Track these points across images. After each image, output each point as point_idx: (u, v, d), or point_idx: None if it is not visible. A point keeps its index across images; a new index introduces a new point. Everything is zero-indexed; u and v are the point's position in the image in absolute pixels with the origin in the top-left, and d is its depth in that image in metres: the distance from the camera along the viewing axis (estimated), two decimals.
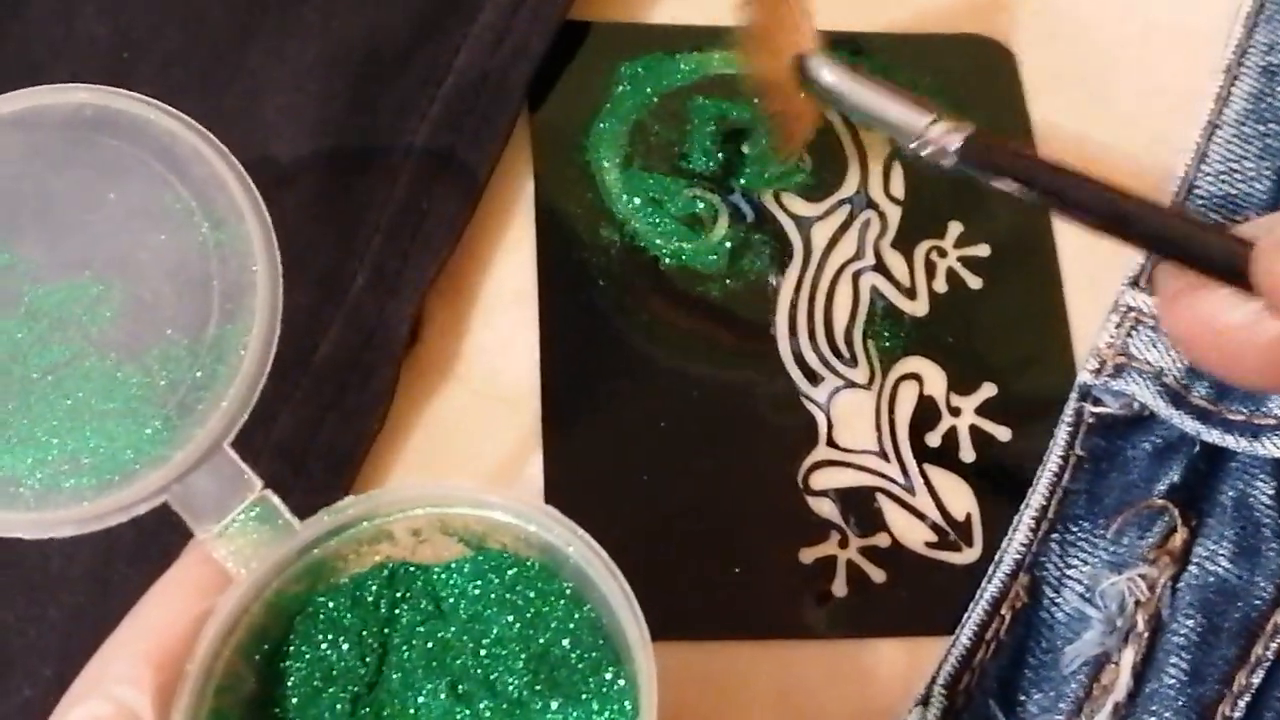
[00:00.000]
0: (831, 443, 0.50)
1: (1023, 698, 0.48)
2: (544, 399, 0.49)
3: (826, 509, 0.49)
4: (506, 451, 0.49)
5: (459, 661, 0.39)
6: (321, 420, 0.48)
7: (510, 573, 0.40)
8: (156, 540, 0.44)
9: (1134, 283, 0.52)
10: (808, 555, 0.49)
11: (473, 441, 0.49)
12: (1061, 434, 0.50)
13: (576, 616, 0.39)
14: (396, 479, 0.49)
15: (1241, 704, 0.47)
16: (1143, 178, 0.54)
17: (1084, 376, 0.50)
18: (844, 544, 0.49)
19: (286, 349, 0.46)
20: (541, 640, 0.39)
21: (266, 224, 0.40)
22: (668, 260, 0.52)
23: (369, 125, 0.51)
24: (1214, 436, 0.49)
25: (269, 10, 0.53)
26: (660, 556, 0.48)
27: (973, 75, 0.56)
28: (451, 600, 0.40)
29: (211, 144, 0.40)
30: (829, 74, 0.50)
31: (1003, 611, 0.48)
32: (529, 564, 0.40)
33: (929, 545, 0.49)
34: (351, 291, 0.49)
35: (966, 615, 0.48)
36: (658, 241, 0.52)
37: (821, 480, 0.50)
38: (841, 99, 0.50)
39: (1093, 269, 0.53)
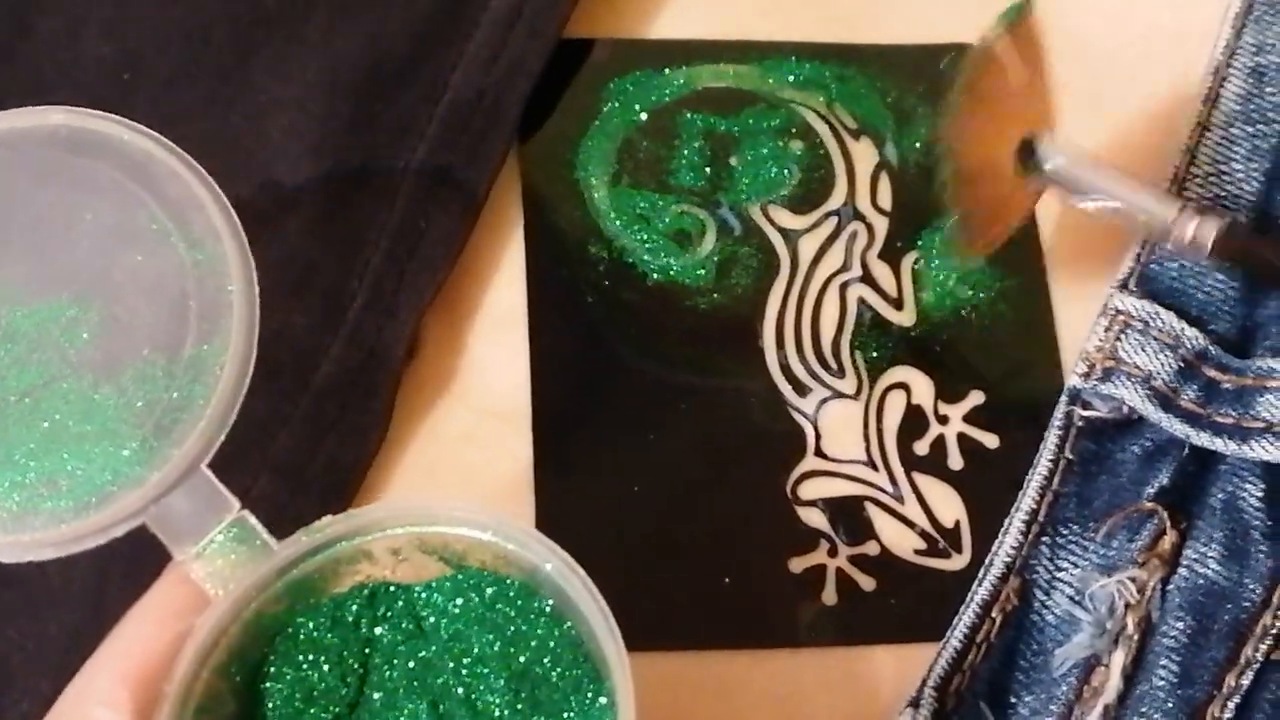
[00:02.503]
0: (820, 453, 0.51)
1: (1013, 700, 0.48)
2: (535, 413, 0.50)
3: (815, 518, 0.50)
4: (500, 465, 0.49)
5: (440, 680, 0.39)
6: (321, 439, 0.48)
7: (490, 591, 0.40)
8: (153, 557, 0.44)
9: (1122, 286, 0.52)
10: (797, 565, 0.49)
11: (468, 456, 0.50)
12: (1051, 438, 0.50)
13: (557, 635, 0.39)
14: (393, 495, 0.49)
15: (1231, 705, 0.47)
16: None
17: (1073, 380, 0.50)
18: (833, 553, 0.49)
19: (286, 368, 0.46)
20: (522, 659, 0.39)
21: (243, 244, 0.40)
22: (656, 276, 0.52)
23: (368, 144, 0.52)
24: (1203, 440, 0.49)
25: (272, 30, 0.53)
26: (651, 567, 0.49)
27: None
28: (432, 619, 0.40)
29: (188, 164, 0.40)
30: (1064, 158, 0.49)
31: (993, 614, 0.48)
32: (509, 582, 0.40)
33: (918, 553, 0.50)
34: (351, 311, 0.50)
35: (957, 618, 0.48)
36: (646, 257, 0.52)
37: (810, 490, 0.50)
38: (1076, 184, 0.50)
39: (1080, 273, 0.53)
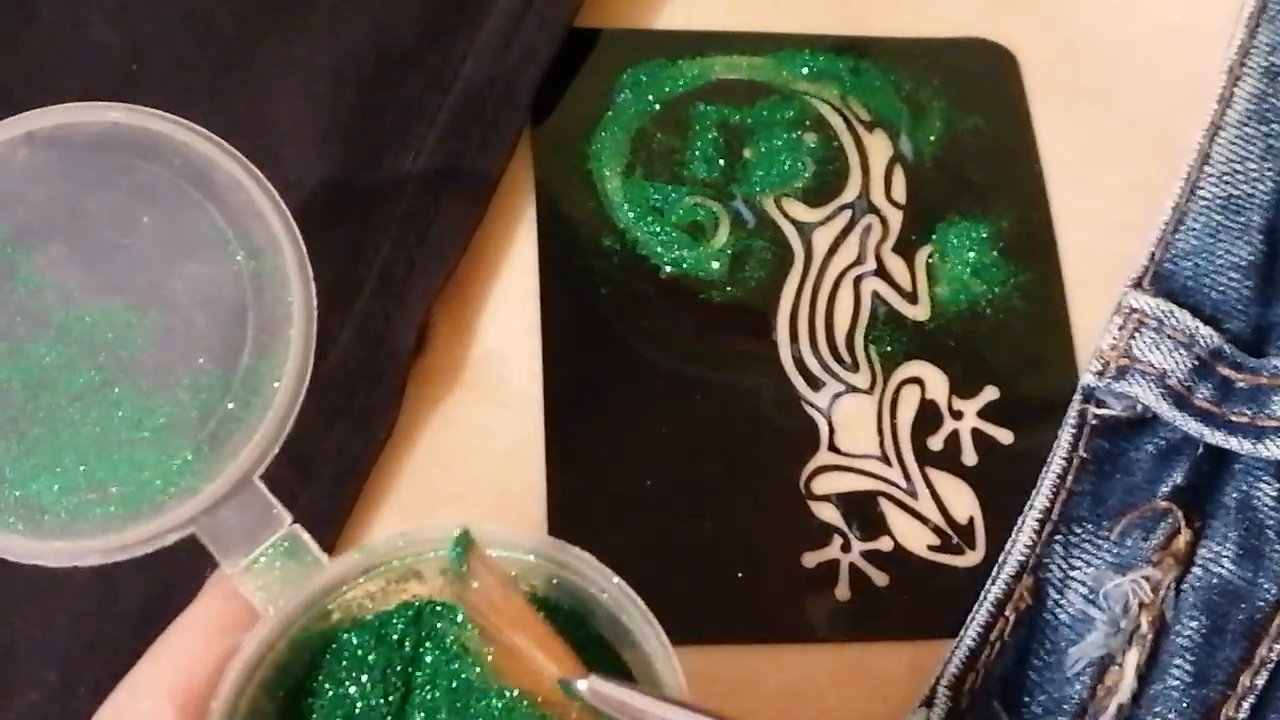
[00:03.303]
0: (833, 447, 0.50)
1: (1027, 699, 0.48)
2: (547, 406, 0.49)
3: (829, 513, 0.49)
4: (512, 458, 0.49)
5: (483, 703, 0.38)
6: (330, 426, 0.48)
7: (539, 616, 0.39)
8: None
9: (1137, 284, 0.52)
10: (810, 559, 0.49)
11: (478, 447, 0.49)
12: (1065, 436, 0.50)
13: (609, 663, 0.38)
14: (403, 487, 0.49)
15: (1245, 705, 0.47)
16: (1145, 180, 0.54)
17: (1087, 378, 0.50)
18: (846, 548, 0.49)
19: None
20: None
21: (303, 255, 0.39)
22: (669, 268, 0.52)
23: (377, 132, 0.52)
24: (1217, 439, 0.49)
25: (278, 16, 0.53)
26: (663, 561, 0.48)
27: (976, 79, 0.56)
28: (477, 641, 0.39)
29: (250, 172, 0.40)
30: (608, 696, 0.37)
31: (1007, 613, 0.48)
32: (559, 608, 0.39)
33: (931, 549, 0.49)
34: (360, 299, 0.49)
35: (971, 616, 0.48)
36: (659, 250, 0.52)
37: (824, 485, 0.50)
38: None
39: (1095, 270, 0.53)
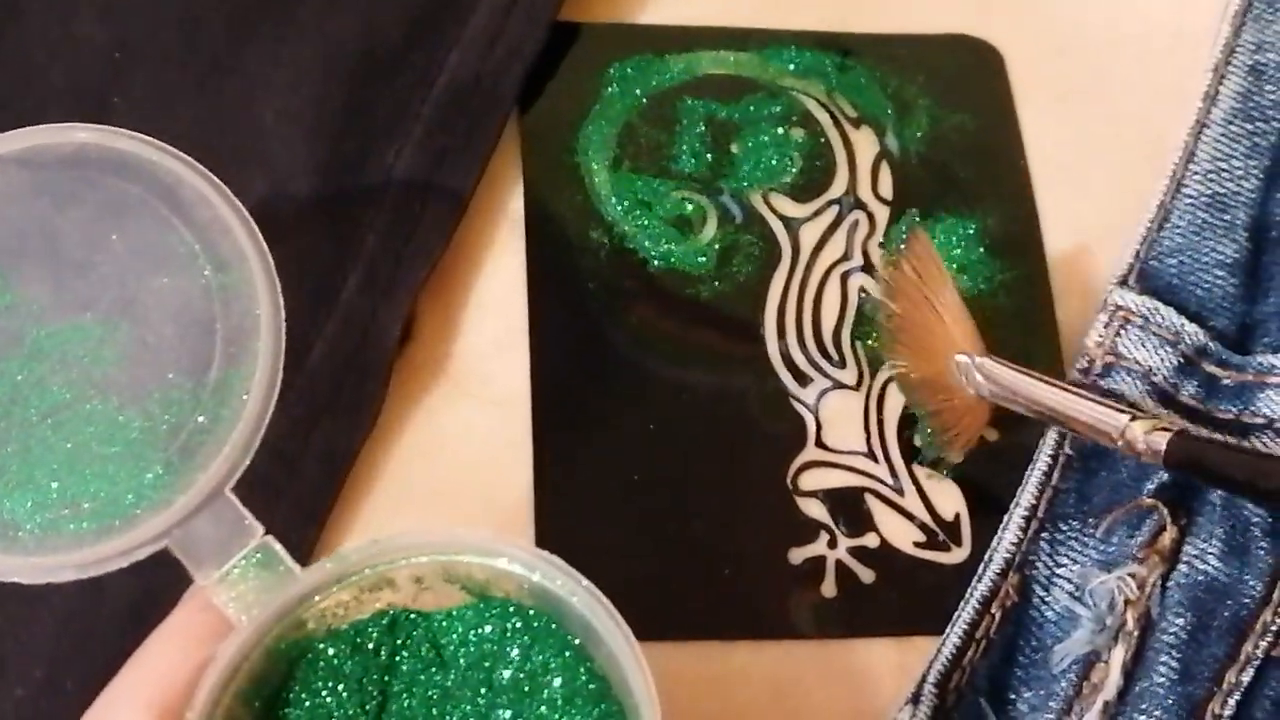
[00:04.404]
0: (820, 444, 0.50)
1: (1013, 696, 0.48)
2: (534, 400, 0.49)
3: (815, 510, 0.49)
4: (497, 452, 0.49)
5: (460, 709, 0.39)
6: (315, 421, 0.48)
7: (513, 622, 0.39)
8: None
9: (1122, 281, 0.52)
10: (797, 556, 0.49)
11: (464, 442, 0.49)
12: (1051, 433, 0.50)
13: (582, 670, 0.39)
14: (387, 483, 0.49)
15: (1231, 702, 0.47)
16: (1131, 178, 0.54)
17: (1073, 375, 0.50)
18: (833, 544, 0.49)
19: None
20: (545, 692, 0.39)
21: (270, 267, 0.40)
22: (656, 262, 0.52)
23: (363, 127, 0.52)
24: (1203, 435, 0.49)
25: (264, 13, 0.53)
26: (650, 557, 0.48)
27: (961, 76, 0.56)
28: (452, 648, 0.39)
29: (215, 186, 0.40)
30: (998, 375, 0.49)
31: (993, 610, 0.48)
32: (531, 613, 0.39)
33: (918, 545, 0.49)
34: (344, 293, 0.49)
35: (957, 614, 0.48)
36: (646, 243, 0.52)
37: (810, 481, 0.50)
38: (1014, 399, 0.49)
39: (1081, 267, 0.53)
